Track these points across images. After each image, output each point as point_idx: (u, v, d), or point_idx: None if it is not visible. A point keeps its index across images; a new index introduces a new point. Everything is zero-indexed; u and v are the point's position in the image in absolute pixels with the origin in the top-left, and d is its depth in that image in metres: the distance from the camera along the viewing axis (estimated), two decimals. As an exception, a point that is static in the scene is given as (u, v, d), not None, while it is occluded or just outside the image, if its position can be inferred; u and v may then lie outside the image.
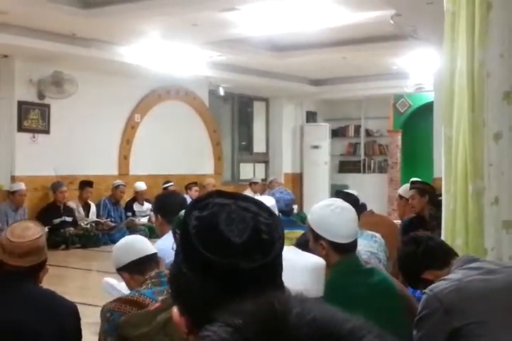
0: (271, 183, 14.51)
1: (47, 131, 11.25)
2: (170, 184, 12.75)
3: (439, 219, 4.03)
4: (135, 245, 3.29)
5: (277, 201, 5.08)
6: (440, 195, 5.04)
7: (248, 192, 14.01)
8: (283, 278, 1.78)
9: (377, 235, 4.62)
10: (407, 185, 6.39)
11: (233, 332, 0.73)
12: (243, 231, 1.09)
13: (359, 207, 4.44)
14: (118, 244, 3.37)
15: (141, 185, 12.35)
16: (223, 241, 1.08)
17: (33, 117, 11.00)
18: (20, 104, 10.85)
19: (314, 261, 2.32)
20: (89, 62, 10.93)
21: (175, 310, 1.15)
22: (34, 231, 2.96)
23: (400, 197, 6.52)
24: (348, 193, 5.46)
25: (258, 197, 7.88)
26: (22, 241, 2.90)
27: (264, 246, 1.10)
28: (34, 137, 11.06)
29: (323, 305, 0.76)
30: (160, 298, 2.74)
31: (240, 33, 9.99)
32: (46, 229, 10.14)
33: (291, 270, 2.19)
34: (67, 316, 2.96)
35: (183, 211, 3.79)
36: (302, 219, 7.38)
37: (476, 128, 3.52)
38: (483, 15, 3.49)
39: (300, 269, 2.21)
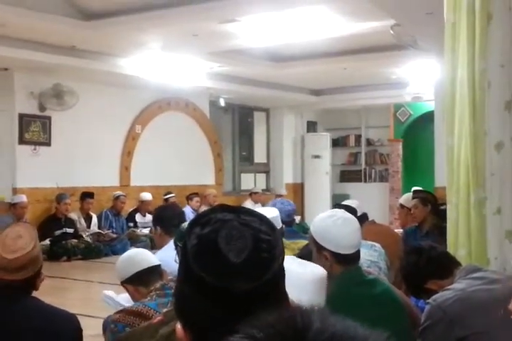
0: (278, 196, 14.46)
1: (48, 143, 11.25)
2: (171, 195, 12.74)
3: (443, 228, 4.02)
4: (138, 257, 3.32)
5: (279, 212, 5.07)
6: (442, 204, 5.04)
7: (249, 202, 14.03)
8: (287, 289, 1.78)
9: (377, 245, 4.61)
10: (409, 194, 6.38)
11: None
12: (242, 251, 1.08)
13: (360, 217, 4.44)
14: (121, 257, 3.41)
15: (147, 196, 12.35)
16: (221, 262, 1.07)
17: (34, 129, 11.01)
18: (21, 116, 10.86)
19: (317, 271, 2.34)
20: (89, 74, 10.95)
21: (178, 325, 1.14)
22: (26, 240, 2.88)
23: (402, 206, 6.51)
24: (345, 205, 5.47)
25: (260, 208, 7.87)
26: (14, 257, 2.82)
27: (263, 265, 1.09)
28: (35, 149, 11.06)
29: (344, 321, 0.76)
30: (163, 310, 2.73)
31: (240, 44, 10.02)
32: (48, 241, 10.18)
33: (295, 280, 2.20)
34: (67, 328, 2.93)
35: (185, 224, 3.81)
36: (304, 229, 7.37)
37: (477, 138, 3.52)
38: (483, 26, 3.49)
39: (304, 280, 2.23)
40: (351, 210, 4.84)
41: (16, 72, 10.69)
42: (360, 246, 3.54)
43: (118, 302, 4.83)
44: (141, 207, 12.35)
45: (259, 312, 0.80)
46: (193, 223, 1.15)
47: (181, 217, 4.64)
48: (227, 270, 1.07)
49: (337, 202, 7.88)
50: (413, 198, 6.11)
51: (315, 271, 2.34)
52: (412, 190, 6.50)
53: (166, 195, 12.77)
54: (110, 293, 5.19)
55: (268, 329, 0.74)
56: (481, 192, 3.53)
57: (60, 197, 10.97)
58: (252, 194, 14.56)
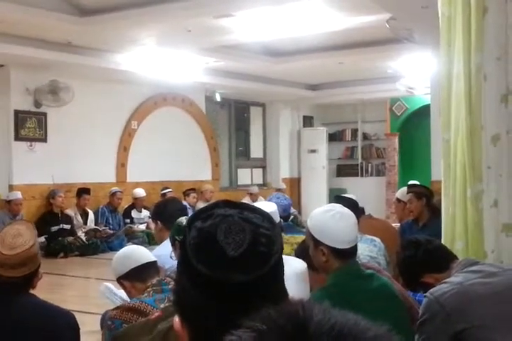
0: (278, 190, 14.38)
1: (44, 140, 11.23)
2: (168, 190, 12.73)
3: (439, 221, 4.01)
4: (134, 253, 3.31)
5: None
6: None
7: (247, 200, 13.97)
8: None
9: (377, 239, 4.61)
10: (405, 188, 6.38)
11: (257, 338, 0.75)
12: (240, 244, 1.09)
13: (357, 211, 4.43)
14: (117, 253, 3.39)
15: (140, 192, 12.34)
16: (218, 255, 1.08)
17: (29, 126, 10.98)
18: (16, 112, 10.83)
19: (298, 265, 2.32)
20: (85, 70, 10.93)
21: (176, 319, 1.14)
22: (26, 238, 2.87)
23: (398, 200, 6.51)
24: (346, 198, 5.46)
25: (257, 202, 7.86)
26: (14, 253, 2.82)
27: (260, 259, 1.09)
28: (31, 146, 11.04)
29: (345, 314, 0.77)
30: (161, 306, 2.73)
31: (235, 38, 10.00)
32: (43, 238, 10.16)
33: None
34: (64, 326, 2.92)
35: (182, 218, 3.79)
36: (297, 221, 7.34)
37: (474, 131, 3.51)
38: (479, 19, 3.49)
39: (287, 275, 2.21)
40: (352, 203, 4.84)
41: (11, 68, 10.66)
42: (360, 241, 3.54)
43: (117, 294, 4.82)
44: (136, 203, 12.35)
45: (256, 306, 0.81)
46: (195, 217, 1.16)
47: (183, 211, 4.61)
48: (224, 263, 1.08)
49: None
50: (408, 193, 6.10)
51: (296, 265, 2.31)
52: (408, 184, 6.49)
53: (163, 190, 12.77)
54: (110, 285, 5.18)
55: (271, 322, 0.76)
56: (478, 185, 3.52)
57: (53, 192, 11.00)
58: (250, 194, 14.39)
